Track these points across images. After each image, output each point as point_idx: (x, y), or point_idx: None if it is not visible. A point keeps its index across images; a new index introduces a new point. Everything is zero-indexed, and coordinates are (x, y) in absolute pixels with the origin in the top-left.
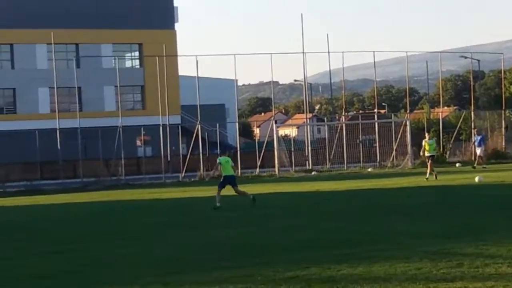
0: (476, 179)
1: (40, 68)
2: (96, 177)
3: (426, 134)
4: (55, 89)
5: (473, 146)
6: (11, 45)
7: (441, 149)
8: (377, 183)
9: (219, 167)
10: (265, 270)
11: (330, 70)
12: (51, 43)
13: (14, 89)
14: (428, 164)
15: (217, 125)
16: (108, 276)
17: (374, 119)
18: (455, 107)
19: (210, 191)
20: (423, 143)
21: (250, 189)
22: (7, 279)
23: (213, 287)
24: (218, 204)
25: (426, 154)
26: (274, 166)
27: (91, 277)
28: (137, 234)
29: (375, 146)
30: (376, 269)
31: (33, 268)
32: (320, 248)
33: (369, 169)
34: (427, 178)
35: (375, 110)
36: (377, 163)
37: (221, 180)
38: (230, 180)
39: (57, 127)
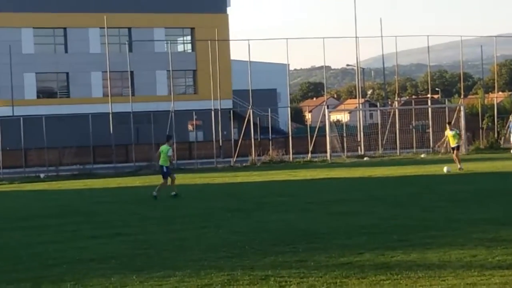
0: (445, 169)
1: (93, 52)
2: (148, 161)
3: (447, 125)
4: (108, 73)
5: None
6: (65, 29)
7: (496, 135)
8: (430, 169)
9: (159, 156)
10: (318, 255)
11: (383, 55)
12: (104, 27)
13: (67, 73)
14: (454, 155)
15: (269, 110)
16: (162, 259)
17: (427, 104)
18: (510, 93)
19: (262, 176)
20: (446, 134)
21: (302, 174)
22: (64, 262)
23: (266, 272)
24: (154, 194)
25: (451, 145)
26: (326, 152)
27: (146, 261)
28: (190, 218)
29: (428, 132)
30: (430, 255)
31: (89, 251)
32: (374, 234)
33: (422, 155)
34: (460, 168)
35: (429, 95)
36: (430, 149)
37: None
38: (162, 171)
39: (110, 111)
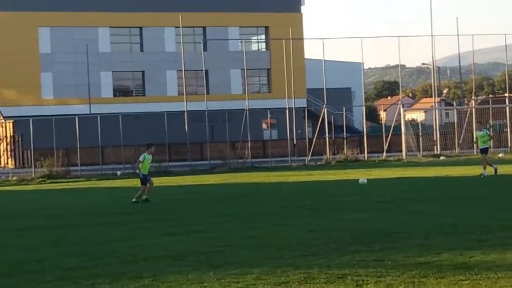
0: (360, 180)
1: (168, 51)
2: (223, 159)
3: (475, 125)
4: (183, 72)
5: None
6: (140, 28)
7: None
8: (508, 169)
9: (140, 165)
10: (395, 255)
11: (459, 53)
12: (179, 26)
13: (143, 71)
14: (481, 158)
15: (343, 108)
16: (238, 257)
17: (505, 103)
18: None
19: (337, 175)
20: (475, 134)
21: (377, 173)
22: (141, 258)
23: (342, 271)
24: (144, 197)
25: (480, 146)
26: (401, 151)
27: (222, 258)
28: (265, 216)
29: (506, 131)
30: (510, 256)
31: (165, 248)
32: (451, 234)
33: (500, 154)
34: (482, 175)
35: (506, 95)
36: (508, 148)
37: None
38: (144, 179)
39: (185, 110)
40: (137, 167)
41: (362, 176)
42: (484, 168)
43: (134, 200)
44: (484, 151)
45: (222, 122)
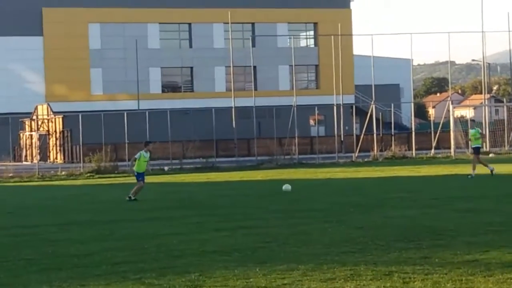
0: (284, 187)
1: (217, 47)
2: (270, 156)
3: (470, 123)
4: (231, 68)
5: None
6: (189, 24)
7: None
8: None
9: (135, 162)
10: (442, 252)
11: (510, 50)
12: (228, 23)
13: (191, 68)
14: (473, 159)
15: (392, 105)
16: (285, 253)
17: None
18: None
19: (384, 172)
20: (469, 132)
21: (425, 170)
22: (188, 253)
23: (389, 268)
24: (133, 197)
25: (472, 145)
26: (449, 148)
27: (268, 254)
28: (312, 213)
29: None
30: None
31: (212, 243)
32: (500, 232)
33: None
34: (471, 176)
35: None
36: None
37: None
38: (141, 177)
39: (233, 106)
40: (131, 164)
41: (410, 173)
42: (474, 168)
43: (128, 196)
44: (477, 150)
45: (269, 118)
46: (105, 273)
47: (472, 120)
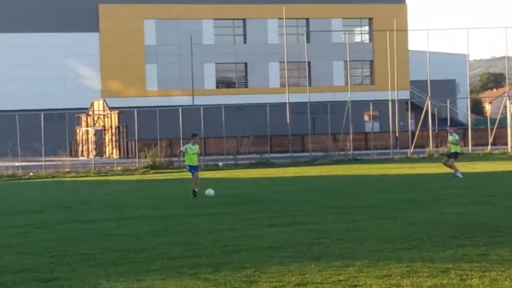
0: (206, 192)
1: (271, 42)
2: (324, 151)
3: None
4: (286, 63)
5: None
6: (244, 20)
7: None
8: None
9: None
10: (500, 249)
11: None
12: (282, 18)
13: (246, 63)
14: (448, 162)
15: (447, 101)
16: (340, 249)
17: None
18: None
19: (440, 168)
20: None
21: (482, 166)
22: (243, 249)
23: (446, 265)
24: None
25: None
26: (506, 144)
27: (323, 250)
28: (367, 209)
29: None
30: None
31: (267, 239)
32: None
33: None
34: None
35: None
36: None
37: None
38: (194, 170)
39: (287, 101)
40: (178, 157)
41: (466, 169)
42: (456, 169)
43: (193, 190)
44: (454, 155)
45: (323, 114)
46: (161, 268)
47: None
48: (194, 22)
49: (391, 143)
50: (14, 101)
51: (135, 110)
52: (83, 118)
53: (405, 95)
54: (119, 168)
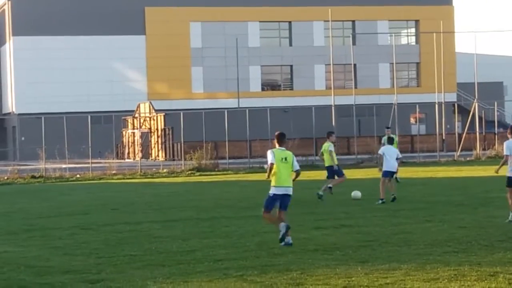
0: (353, 194)
1: (317, 45)
2: (370, 154)
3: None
4: (331, 66)
5: None
6: (290, 22)
7: None
8: None
9: (381, 158)
10: None
11: None
12: (328, 20)
13: (291, 66)
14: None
15: (495, 103)
16: (387, 252)
17: None
18: None
19: (487, 171)
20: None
21: None
22: (290, 251)
23: (494, 268)
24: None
25: None
26: None
27: (370, 253)
28: (414, 212)
29: None
30: None
31: (313, 241)
32: None
33: None
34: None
35: None
36: None
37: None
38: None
39: (332, 104)
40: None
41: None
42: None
43: (353, 194)
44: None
45: (369, 116)
46: (207, 269)
47: None
48: (240, 25)
49: (438, 145)
50: (61, 103)
51: (181, 113)
52: (130, 120)
53: (452, 97)
54: (165, 170)
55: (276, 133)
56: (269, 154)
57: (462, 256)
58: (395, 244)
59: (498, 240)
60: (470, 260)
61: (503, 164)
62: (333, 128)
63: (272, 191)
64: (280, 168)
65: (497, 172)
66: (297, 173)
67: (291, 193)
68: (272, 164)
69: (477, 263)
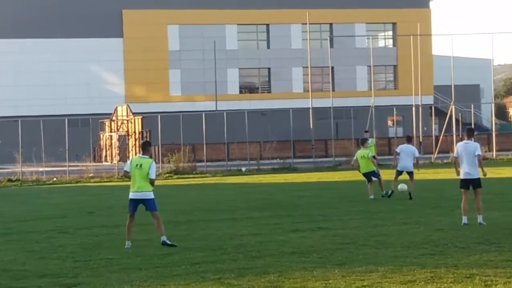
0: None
1: (295, 48)
2: (348, 156)
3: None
4: (309, 68)
5: None
6: (267, 25)
7: None
8: None
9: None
10: None
11: None
12: (306, 23)
13: (269, 68)
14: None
15: (472, 106)
16: (364, 254)
17: None
18: None
19: None
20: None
21: (507, 172)
22: (267, 254)
23: (470, 270)
24: (383, 193)
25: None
26: None
27: (347, 255)
28: (391, 214)
29: None
30: None
31: (290, 244)
32: None
33: None
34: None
35: None
36: None
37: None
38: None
39: (310, 106)
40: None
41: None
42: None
43: (383, 193)
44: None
45: (347, 119)
46: (185, 273)
47: None
48: (218, 28)
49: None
50: (38, 106)
51: (158, 115)
52: (107, 123)
53: (429, 100)
54: None
55: (141, 142)
56: (127, 162)
57: (438, 258)
58: (372, 247)
59: (475, 242)
60: (447, 262)
61: (456, 166)
62: (310, 130)
63: (129, 196)
64: (134, 174)
65: (458, 175)
66: (151, 181)
67: (149, 197)
68: (126, 172)
69: (454, 265)
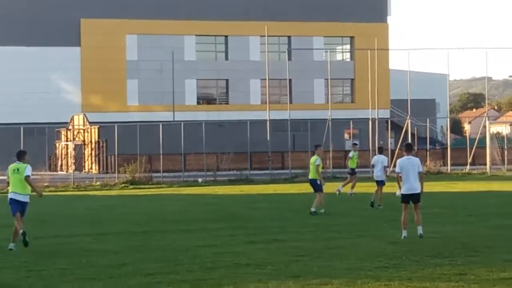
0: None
1: (253, 59)
2: (304, 169)
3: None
4: (267, 80)
5: None
6: (226, 37)
7: None
8: None
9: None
10: (478, 269)
11: None
12: (264, 35)
13: (227, 80)
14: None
15: (427, 120)
16: (318, 267)
17: None
18: None
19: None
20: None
21: (461, 186)
22: (222, 266)
23: (424, 284)
24: (313, 210)
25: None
26: (485, 164)
27: (302, 268)
28: (346, 227)
29: None
30: None
31: (246, 256)
32: None
33: None
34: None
35: None
36: None
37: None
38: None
39: (268, 118)
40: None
41: (445, 188)
42: (351, 187)
43: (312, 210)
44: (353, 171)
45: (304, 131)
46: (139, 283)
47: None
48: (176, 38)
49: (371, 161)
50: None
51: (115, 125)
52: (63, 132)
53: (385, 114)
54: (98, 183)
55: (18, 150)
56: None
57: (392, 271)
58: (327, 259)
59: (428, 256)
60: (401, 275)
61: (399, 182)
62: (267, 142)
63: (9, 196)
64: (12, 178)
65: (401, 190)
66: (26, 178)
67: (23, 200)
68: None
69: (407, 278)
